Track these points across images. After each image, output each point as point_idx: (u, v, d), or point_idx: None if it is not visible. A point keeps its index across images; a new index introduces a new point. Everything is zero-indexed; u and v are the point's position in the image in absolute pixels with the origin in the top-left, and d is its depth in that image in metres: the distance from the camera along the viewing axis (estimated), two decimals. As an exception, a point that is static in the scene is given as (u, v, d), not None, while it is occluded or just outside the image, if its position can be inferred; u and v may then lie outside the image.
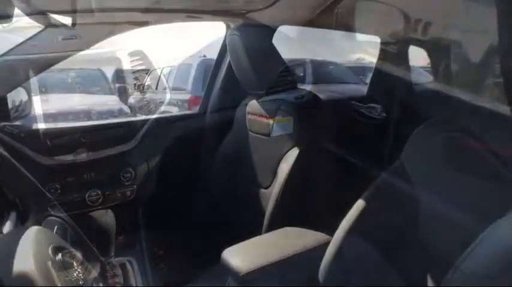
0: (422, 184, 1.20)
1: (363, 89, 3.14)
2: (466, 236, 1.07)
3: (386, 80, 2.96)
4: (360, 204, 1.25)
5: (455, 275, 0.93)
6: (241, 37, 1.78)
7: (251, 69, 1.80)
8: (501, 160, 1.05)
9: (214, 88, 2.29)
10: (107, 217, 2.05)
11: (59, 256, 1.02)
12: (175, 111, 6.97)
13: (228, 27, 2.13)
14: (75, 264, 1.04)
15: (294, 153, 1.66)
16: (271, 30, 2.04)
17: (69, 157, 1.96)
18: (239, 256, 1.35)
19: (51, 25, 1.51)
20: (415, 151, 1.24)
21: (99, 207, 2.03)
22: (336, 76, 8.20)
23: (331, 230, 1.28)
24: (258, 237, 1.47)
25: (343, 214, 1.27)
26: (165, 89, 8.26)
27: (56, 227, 1.27)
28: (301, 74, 7.87)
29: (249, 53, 1.79)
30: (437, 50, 3.15)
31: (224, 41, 2.12)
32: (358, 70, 9.75)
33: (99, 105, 6.10)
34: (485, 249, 0.92)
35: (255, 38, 1.80)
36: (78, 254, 1.08)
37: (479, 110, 1.10)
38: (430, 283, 1.12)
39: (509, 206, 1.01)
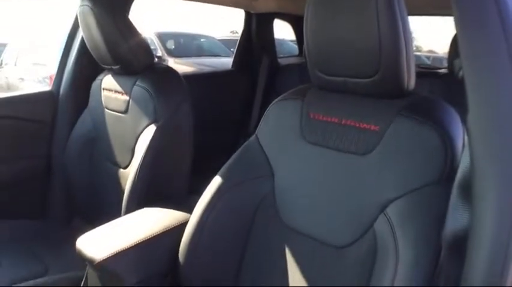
0: (276, 157, 1.21)
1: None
2: (319, 207, 1.10)
3: (250, 53, 3.00)
4: (216, 180, 1.23)
5: None
6: (93, 8, 1.65)
7: (104, 43, 1.68)
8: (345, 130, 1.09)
9: (67, 64, 2.12)
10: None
11: None
12: (39, 88, 6.51)
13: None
14: None
15: (151, 130, 1.60)
16: (127, 1, 1.93)
17: None
18: (94, 243, 1.26)
19: None
20: (269, 124, 1.25)
21: None
22: (207, 49, 8.24)
23: (191, 209, 1.25)
24: (115, 221, 1.40)
25: (202, 191, 1.24)
26: (27, 64, 7.66)
27: None
28: (173, 47, 7.78)
29: (102, 25, 1.66)
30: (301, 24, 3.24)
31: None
32: (231, 43, 9.89)
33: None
34: None
35: (108, 9, 1.68)
36: None
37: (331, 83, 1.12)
38: (288, 252, 1.14)
39: (354, 173, 1.05)
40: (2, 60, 8.96)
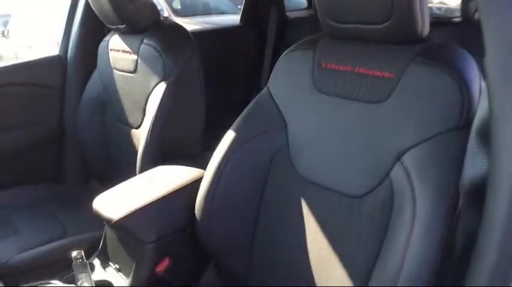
0: (289, 108, 1.19)
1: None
2: (334, 157, 1.09)
3: (258, 7, 2.94)
4: (229, 135, 1.22)
5: None
6: None
7: (108, 1, 1.65)
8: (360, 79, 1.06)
9: (73, 27, 2.10)
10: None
11: None
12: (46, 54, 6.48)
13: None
14: None
15: (161, 88, 1.58)
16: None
17: None
18: (110, 203, 1.27)
19: None
20: (280, 76, 1.23)
21: None
22: (214, 7, 8.08)
23: (205, 165, 1.25)
24: (130, 179, 1.40)
25: (214, 147, 1.24)
26: (33, 32, 7.60)
27: None
28: (179, 7, 7.65)
29: None
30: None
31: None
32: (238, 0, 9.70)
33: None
34: None
35: None
36: None
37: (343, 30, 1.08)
38: (304, 204, 1.14)
39: (368, 122, 1.04)
40: (8, 31, 8.89)
